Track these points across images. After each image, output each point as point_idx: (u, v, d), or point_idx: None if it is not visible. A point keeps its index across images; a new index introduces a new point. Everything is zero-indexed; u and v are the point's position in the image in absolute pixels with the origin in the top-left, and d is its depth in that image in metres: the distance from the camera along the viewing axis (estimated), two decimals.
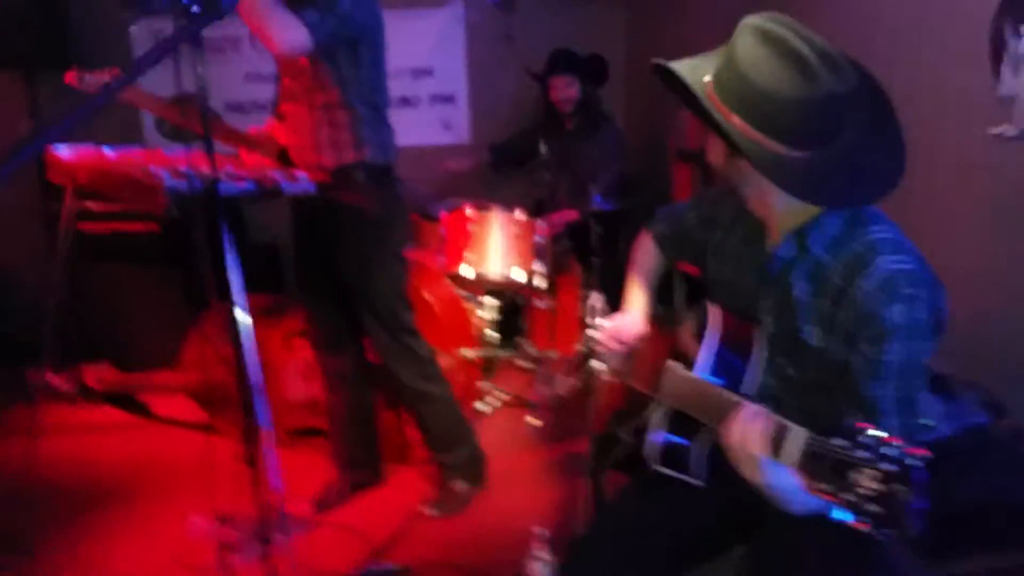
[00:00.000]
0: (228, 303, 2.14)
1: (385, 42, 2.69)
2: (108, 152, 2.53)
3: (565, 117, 4.20)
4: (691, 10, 4.15)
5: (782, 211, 1.50)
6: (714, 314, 1.63)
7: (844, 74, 1.34)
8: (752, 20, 1.39)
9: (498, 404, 3.86)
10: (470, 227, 3.63)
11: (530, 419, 3.60)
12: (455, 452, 3.01)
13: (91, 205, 4.05)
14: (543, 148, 3.82)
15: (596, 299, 3.76)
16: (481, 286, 3.77)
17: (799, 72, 1.32)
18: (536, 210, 3.96)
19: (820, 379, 1.49)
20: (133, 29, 4.63)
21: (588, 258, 3.88)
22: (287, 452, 3.37)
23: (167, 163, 2.36)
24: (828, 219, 1.45)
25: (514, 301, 4.22)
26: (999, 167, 2.17)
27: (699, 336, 1.64)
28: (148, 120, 4.64)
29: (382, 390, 3.16)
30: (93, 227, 4.14)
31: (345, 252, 2.74)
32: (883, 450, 1.08)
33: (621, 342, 1.84)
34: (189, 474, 3.27)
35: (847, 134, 1.37)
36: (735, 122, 1.38)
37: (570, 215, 4.08)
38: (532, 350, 4.08)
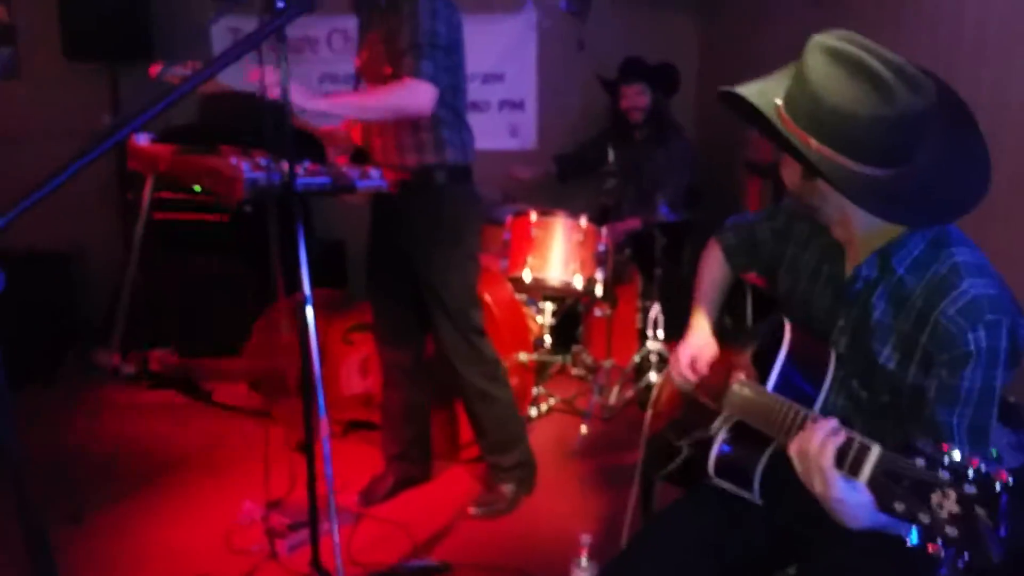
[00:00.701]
0: (296, 296, 2.19)
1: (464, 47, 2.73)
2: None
3: (634, 126, 4.18)
4: (764, 20, 4.09)
5: (863, 232, 1.48)
6: (786, 330, 1.59)
7: (921, 90, 1.32)
8: (821, 39, 1.37)
9: (549, 409, 3.85)
10: (534, 232, 3.63)
11: (582, 427, 3.57)
12: (509, 455, 3.01)
13: (167, 194, 4.19)
14: (611, 156, 3.81)
15: (656, 311, 3.76)
16: (541, 291, 3.76)
17: (875, 90, 1.30)
18: (601, 218, 3.94)
19: (892, 403, 1.47)
20: (213, 27, 4.75)
21: (650, 268, 3.85)
22: (339, 443, 3.42)
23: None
24: (911, 239, 1.42)
25: (573, 308, 4.21)
26: None
27: (768, 350, 1.60)
28: None
29: (441, 388, 3.17)
30: (167, 215, 4.27)
31: (421, 251, 2.78)
32: (966, 472, 1.06)
33: (696, 371, 1.80)
34: (244, 459, 3.35)
35: (927, 150, 1.34)
36: (811, 144, 1.35)
37: (634, 224, 4.05)
38: (587, 358, 4.06)
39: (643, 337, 3.86)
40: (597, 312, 3.94)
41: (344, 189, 2.35)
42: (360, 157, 2.81)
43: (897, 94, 1.29)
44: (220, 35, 4.78)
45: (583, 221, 3.63)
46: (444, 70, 2.58)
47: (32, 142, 4.60)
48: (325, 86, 4.92)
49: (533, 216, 3.64)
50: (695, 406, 1.78)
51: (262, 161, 2.16)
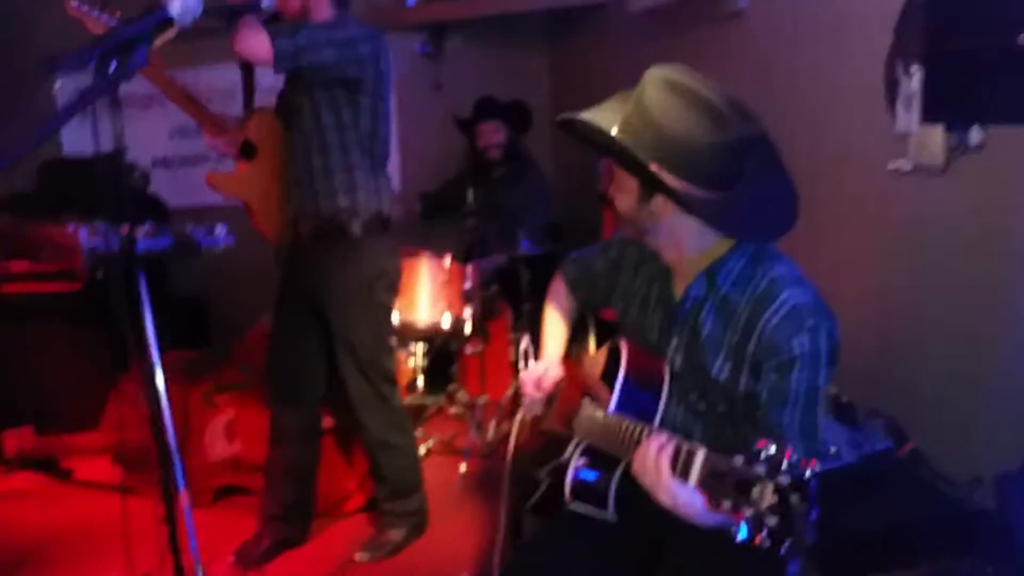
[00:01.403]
0: (145, 363, 2.10)
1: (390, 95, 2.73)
2: None
3: (492, 164, 4.25)
4: (606, 56, 4.26)
5: (691, 254, 1.56)
6: (624, 351, 1.67)
7: (751, 120, 1.44)
8: (658, 72, 1.47)
9: (428, 452, 3.81)
10: None
11: (461, 466, 3.55)
12: (406, 501, 2.99)
13: (15, 265, 3.96)
14: (470, 195, 3.86)
15: (527, 343, 3.79)
16: (410, 333, 3.74)
17: (712, 119, 1.41)
18: (466, 256, 3.96)
19: (728, 412, 1.55)
20: (59, 86, 4.58)
21: (518, 303, 3.90)
22: (210, 511, 3.28)
23: None
24: (732, 258, 1.52)
25: (445, 347, 4.20)
26: (897, 200, 2.24)
27: (611, 373, 1.68)
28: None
29: (337, 438, 3.14)
30: (15, 287, 4.03)
31: (334, 301, 2.73)
32: (779, 464, 1.13)
33: (541, 389, 1.88)
34: (107, 537, 3.14)
35: (754, 174, 1.46)
36: (652, 167, 1.43)
37: (498, 260, 4.09)
38: (463, 396, 4.05)
39: (516, 370, 3.89)
40: (468, 349, 3.95)
41: (188, 250, 2.28)
42: (248, 151, 2.73)
43: (731, 123, 1.40)
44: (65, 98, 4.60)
45: (447, 261, 3.65)
46: (369, 114, 2.62)
47: None
48: (175, 141, 4.80)
49: None
50: (551, 436, 1.81)
51: (100, 227, 2.08)
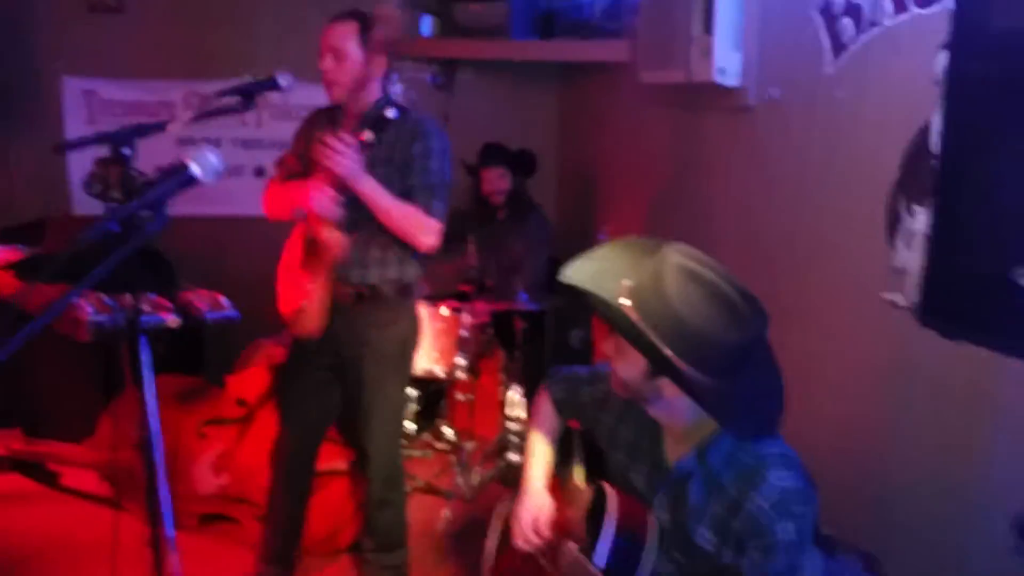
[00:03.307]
0: (141, 411, 2.14)
1: None
2: None
3: (496, 208, 4.28)
4: (618, 111, 4.28)
5: (685, 423, 1.62)
6: (611, 496, 1.69)
7: (761, 313, 1.49)
8: (678, 259, 1.52)
9: (411, 491, 3.86)
10: None
11: (445, 511, 3.61)
12: (393, 555, 3.05)
13: None
14: (471, 237, 3.91)
15: (516, 391, 3.87)
16: None
17: (730, 315, 1.46)
18: (462, 297, 4.02)
19: (710, 574, 1.60)
20: (66, 83, 4.57)
21: (511, 347, 3.96)
22: (193, 537, 3.33)
23: None
24: (725, 435, 1.57)
25: (437, 387, 4.26)
26: (888, 331, 2.28)
27: (596, 518, 1.70)
28: (75, 180, 4.55)
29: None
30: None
31: (371, 360, 2.78)
32: None
33: (540, 534, 1.86)
34: (93, 552, 3.20)
35: (755, 367, 1.52)
36: (666, 352, 1.47)
37: (495, 306, 4.14)
38: (451, 437, 4.11)
39: (504, 416, 3.97)
40: (459, 396, 4.02)
41: (192, 323, 2.33)
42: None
43: (747, 320, 1.47)
44: (73, 96, 4.60)
45: (444, 310, 3.70)
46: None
47: None
48: (184, 148, 4.80)
49: None
50: (534, 564, 1.86)
51: (106, 300, 2.12)
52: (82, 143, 2.80)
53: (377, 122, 2.66)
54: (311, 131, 2.83)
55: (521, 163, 4.26)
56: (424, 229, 2.67)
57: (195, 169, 1.67)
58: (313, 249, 2.67)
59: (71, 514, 3.60)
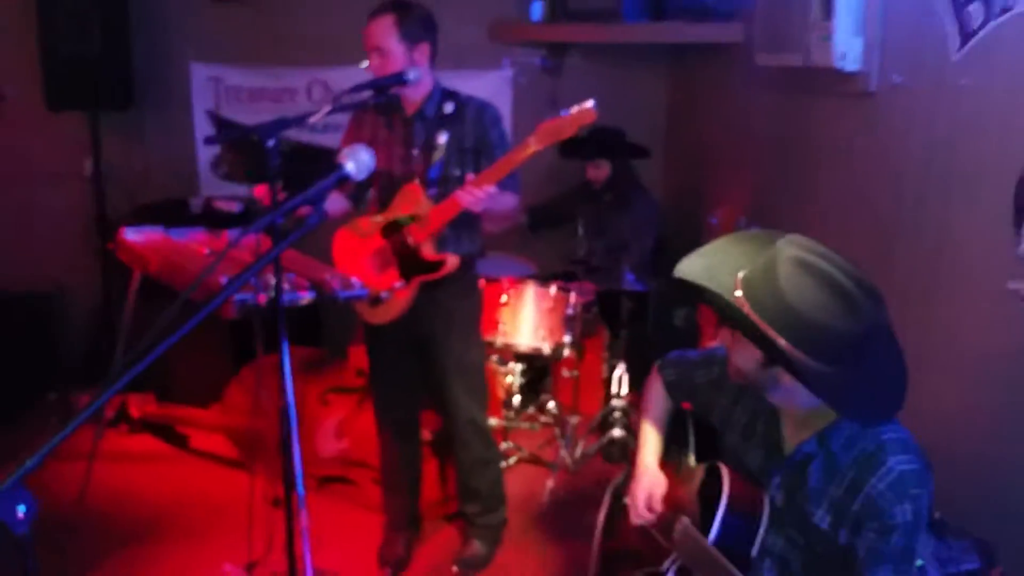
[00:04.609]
0: (279, 367, 2.29)
1: None
2: (175, 237, 2.69)
3: (600, 191, 4.34)
4: (730, 94, 4.27)
5: (804, 408, 1.65)
6: (726, 480, 1.74)
7: (879, 301, 1.50)
8: (791, 250, 1.54)
9: (517, 461, 4.00)
10: (506, 298, 3.80)
11: (548, 482, 3.72)
12: (496, 514, 3.23)
13: None
14: (579, 217, 4.00)
15: (622, 370, 3.94)
16: (510, 353, 3.92)
17: (845, 304, 1.48)
18: (569, 277, 4.10)
19: (823, 552, 1.66)
20: (194, 74, 4.83)
21: (616, 326, 4.03)
22: (313, 498, 3.50)
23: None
24: (845, 421, 1.61)
25: (542, 363, 4.36)
26: (1012, 320, 2.26)
27: (709, 495, 1.76)
28: (203, 161, 4.81)
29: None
30: None
31: (455, 329, 2.97)
32: None
33: (653, 510, 1.92)
34: (224, 514, 3.45)
35: (876, 355, 1.53)
36: (780, 342, 1.51)
37: (601, 287, 4.20)
38: (553, 407, 4.22)
39: (608, 394, 4.05)
40: (565, 373, 4.12)
41: (327, 302, 2.48)
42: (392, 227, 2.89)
43: (863, 307, 1.47)
44: (200, 82, 4.86)
45: (553, 289, 3.80)
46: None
47: (15, 187, 4.67)
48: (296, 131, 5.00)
49: (505, 283, 3.81)
50: (648, 538, 1.93)
51: (252, 280, 2.28)
52: (230, 135, 3.02)
53: (442, 121, 2.83)
54: (372, 127, 2.94)
55: (617, 149, 4.28)
56: (519, 209, 3.00)
57: (350, 167, 1.80)
58: (410, 257, 2.83)
59: (201, 474, 3.88)
